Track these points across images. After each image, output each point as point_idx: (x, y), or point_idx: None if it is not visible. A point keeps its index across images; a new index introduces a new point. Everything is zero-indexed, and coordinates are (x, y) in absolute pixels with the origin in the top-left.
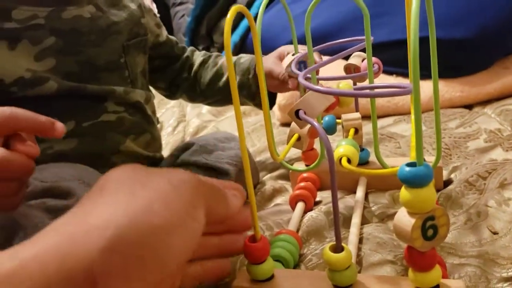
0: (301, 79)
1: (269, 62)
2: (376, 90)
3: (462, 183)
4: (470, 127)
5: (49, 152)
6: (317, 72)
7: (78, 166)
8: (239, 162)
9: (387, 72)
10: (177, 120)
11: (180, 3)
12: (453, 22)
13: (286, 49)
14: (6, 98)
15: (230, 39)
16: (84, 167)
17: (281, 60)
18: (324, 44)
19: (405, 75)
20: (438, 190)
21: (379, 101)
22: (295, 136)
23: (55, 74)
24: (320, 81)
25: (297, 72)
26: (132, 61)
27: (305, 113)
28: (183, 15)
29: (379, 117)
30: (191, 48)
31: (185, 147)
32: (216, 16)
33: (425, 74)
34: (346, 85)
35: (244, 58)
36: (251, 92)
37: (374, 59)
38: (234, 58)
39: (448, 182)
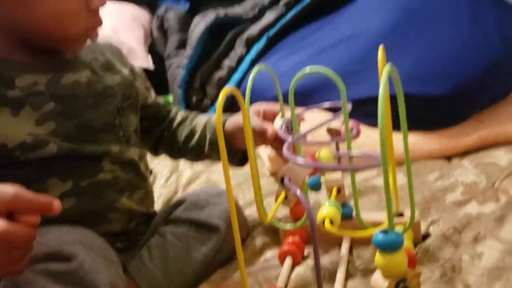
0: (285, 152)
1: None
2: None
3: (439, 237)
4: (448, 180)
5: None
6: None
7: (79, 229)
8: (228, 217)
9: (371, 125)
10: (170, 171)
11: (175, 56)
12: (430, 79)
13: (262, 107)
14: (9, 162)
15: (221, 117)
16: (85, 230)
17: (258, 116)
18: (306, 107)
19: None
20: (416, 244)
21: (362, 151)
22: (282, 195)
23: (55, 136)
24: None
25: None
26: (126, 121)
27: (290, 179)
28: (177, 66)
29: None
30: (175, 109)
31: (177, 204)
32: (209, 70)
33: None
34: (326, 153)
35: (215, 117)
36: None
37: (352, 123)
38: (207, 117)
39: (426, 235)
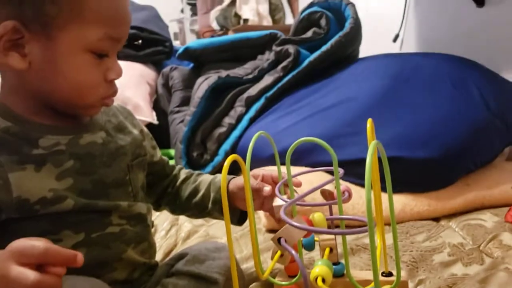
0: (283, 215)
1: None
2: (344, 227)
3: None
4: (436, 241)
5: None
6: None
7: (92, 279)
8: (227, 271)
9: (362, 185)
10: (170, 223)
11: (178, 112)
12: (419, 144)
13: (261, 171)
14: (28, 215)
15: (226, 179)
16: (97, 281)
17: (256, 179)
18: (300, 195)
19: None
20: None
21: (355, 210)
22: (278, 254)
23: (72, 192)
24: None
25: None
26: (134, 177)
27: (285, 240)
28: (179, 122)
29: (355, 226)
30: (179, 166)
31: (179, 257)
32: (210, 127)
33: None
34: (319, 215)
35: (219, 177)
36: (221, 214)
37: (344, 187)
38: (211, 177)
39: None
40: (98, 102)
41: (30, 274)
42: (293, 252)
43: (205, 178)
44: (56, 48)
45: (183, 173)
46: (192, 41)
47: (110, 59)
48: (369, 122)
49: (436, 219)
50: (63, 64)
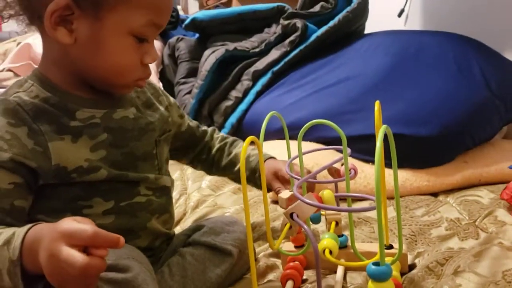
0: (296, 193)
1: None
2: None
3: (424, 268)
4: (434, 216)
5: None
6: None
7: (130, 246)
8: (241, 244)
9: (364, 161)
10: (179, 193)
11: (184, 83)
12: (420, 121)
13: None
14: (65, 182)
15: (244, 164)
16: (133, 248)
17: (276, 175)
18: (311, 173)
19: None
20: (404, 273)
21: (356, 185)
22: (287, 226)
23: (105, 163)
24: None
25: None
26: (161, 151)
27: (297, 216)
28: (186, 93)
29: (357, 200)
30: (211, 129)
31: (196, 228)
32: (216, 100)
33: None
34: (329, 193)
35: (252, 157)
36: (256, 185)
37: (350, 165)
38: (228, 140)
39: (413, 266)
40: (132, 83)
41: (79, 257)
42: (305, 226)
43: (239, 152)
44: (102, 28)
45: (217, 140)
46: (194, 7)
47: (149, 44)
48: (377, 104)
49: (435, 194)
50: (106, 44)
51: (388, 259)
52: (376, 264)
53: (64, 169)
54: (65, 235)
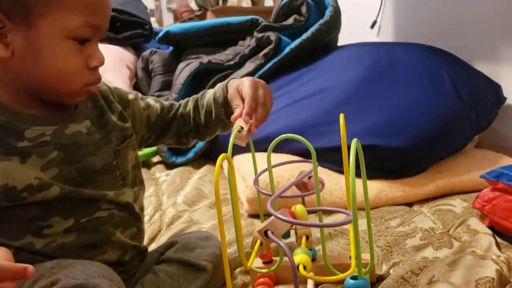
0: (270, 210)
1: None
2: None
3: (399, 279)
4: (409, 226)
5: (53, 245)
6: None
7: (100, 264)
8: (215, 259)
9: (340, 172)
10: (154, 209)
11: (158, 96)
12: (394, 133)
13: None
14: (17, 203)
15: (218, 183)
16: (104, 266)
17: (238, 91)
18: (282, 189)
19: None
20: (372, 283)
21: (332, 196)
22: (258, 242)
23: (58, 180)
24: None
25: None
26: (123, 161)
27: (272, 233)
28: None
29: (332, 212)
30: (180, 102)
31: (169, 245)
32: None
33: (371, 175)
34: (301, 207)
35: (209, 93)
36: (227, 116)
37: (319, 178)
38: (210, 95)
39: (387, 277)
40: (82, 89)
41: None
42: (282, 244)
43: (206, 98)
44: (37, 36)
45: (189, 104)
46: (169, 19)
47: (92, 46)
48: (341, 117)
49: (409, 204)
50: (44, 51)
51: (350, 270)
52: (354, 278)
53: (13, 189)
54: None
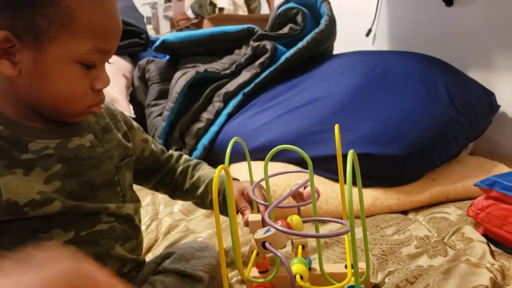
0: (269, 221)
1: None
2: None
3: (394, 287)
4: (404, 234)
5: None
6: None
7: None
8: (212, 269)
9: (335, 180)
10: (151, 218)
11: (155, 105)
12: (389, 141)
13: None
14: (19, 217)
15: (217, 192)
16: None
17: (242, 195)
18: (279, 199)
19: None
20: None
21: (328, 205)
22: (255, 252)
23: (60, 194)
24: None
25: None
26: (123, 178)
27: (270, 244)
28: (157, 115)
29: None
30: (177, 154)
31: (166, 256)
32: (188, 122)
33: (366, 183)
34: (297, 218)
35: (204, 170)
36: (221, 209)
37: (315, 188)
38: (208, 175)
39: (382, 286)
40: (85, 110)
41: None
42: (280, 254)
43: (202, 175)
44: (45, 58)
45: (180, 163)
46: (165, 27)
47: (98, 69)
48: (336, 128)
49: (404, 212)
50: (51, 73)
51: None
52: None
53: (16, 204)
54: None
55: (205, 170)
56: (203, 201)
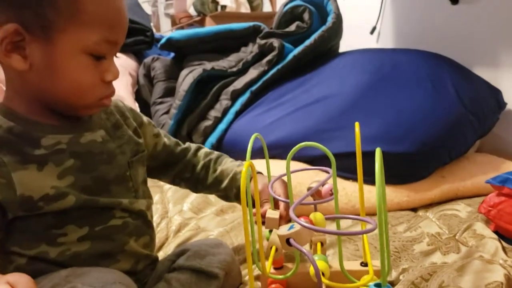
0: (294, 218)
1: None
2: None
3: (409, 284)
4: (415, 231)
5: (67, 253)
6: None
7: (116, 271)
8: (227, 266)
9: (344, 178)
10: (160, 216)
11: (161, 103)
12: (398, 139)
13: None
14: (33, 212)
15: (245, 186)
16: (120, 272)
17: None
18: (303, 196)
19: None
20: None
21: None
22: (274, 249)
23: (73, 189)
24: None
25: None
26: (135, 173)
27: (295, 240)
28: (163, 113)
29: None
30: (195, 147)
31: (180, 253)
32: (195, 120)
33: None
34: (320, 215)
35: (239, 175)
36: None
37: (330, 185)
38: (232, 169)
39: (397, 283)
40: (96, 102)
41: None
42: (305, 251)
43: (225, 169)
44: (55, 50)
45: (201, 157)
46: (166, 25)
47: (108, 61)
48: (357, 125)
49: (414, 210)
50: (61, 65)
51: (367, 277)
52: (377, 285)
53: (30, 199)
54: None
55: (227, 164)
56: (227, 194)
